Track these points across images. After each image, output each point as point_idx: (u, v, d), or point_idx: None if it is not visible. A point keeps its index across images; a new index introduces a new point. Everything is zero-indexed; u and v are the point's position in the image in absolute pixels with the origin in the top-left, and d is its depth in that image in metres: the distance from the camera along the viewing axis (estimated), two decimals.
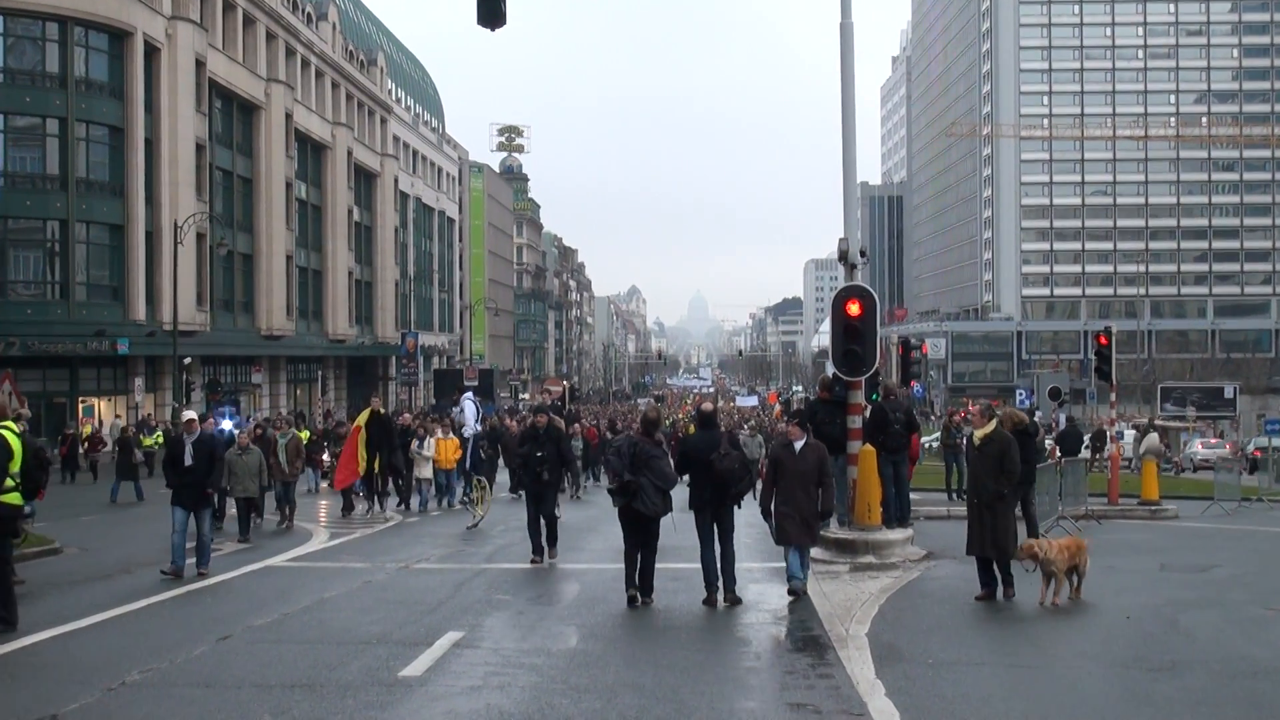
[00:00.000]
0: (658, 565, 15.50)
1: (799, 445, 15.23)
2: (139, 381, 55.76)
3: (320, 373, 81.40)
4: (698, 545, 15.13)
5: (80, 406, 55.17)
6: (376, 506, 28.32)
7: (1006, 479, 15.00)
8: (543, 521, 19.26)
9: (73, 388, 55.17)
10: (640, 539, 15.20)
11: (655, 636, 13.24)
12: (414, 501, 30.59)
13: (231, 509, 26.03)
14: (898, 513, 20.70)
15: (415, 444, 30.43)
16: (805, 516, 14.99)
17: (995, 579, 15.07)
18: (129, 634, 13.57)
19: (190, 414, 19.77)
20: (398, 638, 12.90)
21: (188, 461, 18.41)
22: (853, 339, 18.95)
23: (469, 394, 33.73)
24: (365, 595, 16.15)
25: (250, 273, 69.69)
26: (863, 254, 20.08)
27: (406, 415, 34.22)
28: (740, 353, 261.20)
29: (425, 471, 31.00)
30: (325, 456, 36.82)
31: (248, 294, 69.46)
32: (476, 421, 30.50)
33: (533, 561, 18.87)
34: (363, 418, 27.52)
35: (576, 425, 38.89)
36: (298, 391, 78.50)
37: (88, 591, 16.66)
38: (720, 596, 14.92)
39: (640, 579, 15.15)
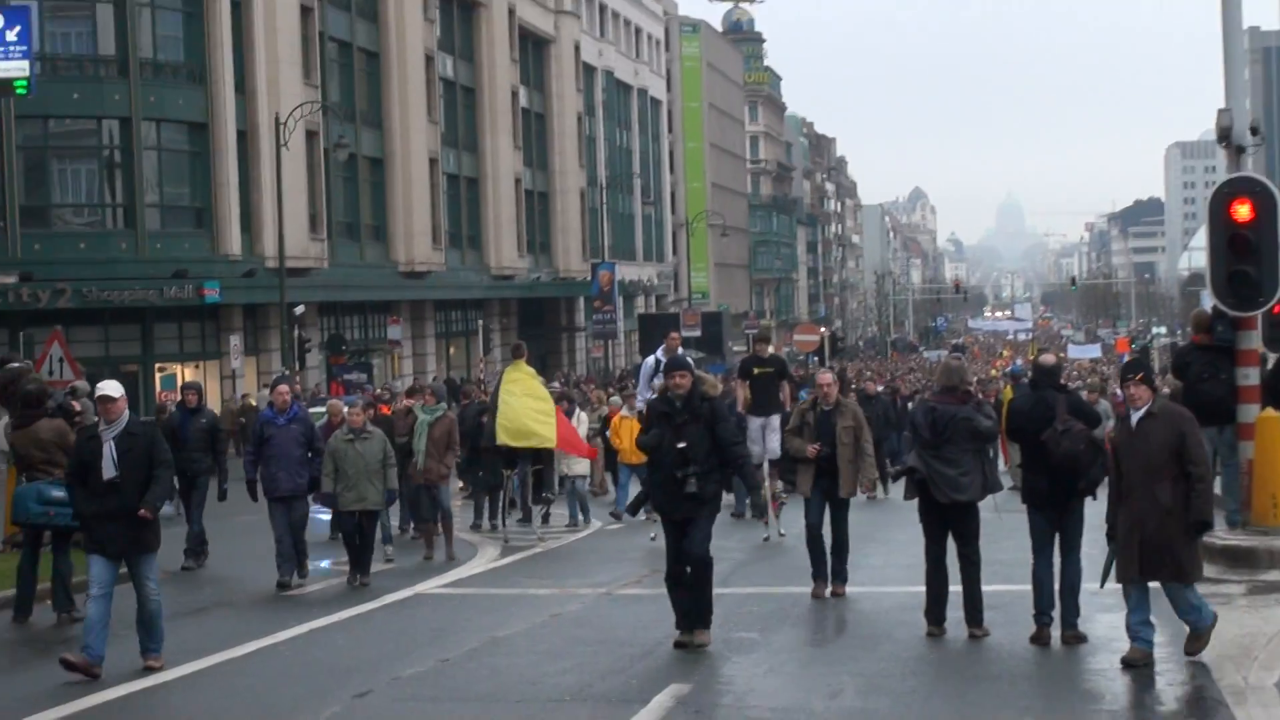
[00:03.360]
0: (954, 588, 15.35)
1: (1138, 416, 13.75)
2: (235, 340, 55.73)
3: (481, 322, 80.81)
4: (1025, 557, 14.98)
5: (159, 376, 55.76)
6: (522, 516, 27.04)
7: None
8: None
9: (146, 350, 55.97)
10: (954, 544, 15.23)
11: (963, 690, 13.18)
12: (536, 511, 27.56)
13: (324, 515, 23.95)
14: None
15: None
16: (1149, 533, 13.45)
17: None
18: (231, 688, 14.06)
19: (109, 389, 15.02)
20: (600, 692, 13.10)
21: (109, 473, 14.45)
22: (1243, 255, 18.65)
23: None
24: (553, 633, 16.43)
25: (381, 185, 70.00)
26: (1255, 131, 19.70)
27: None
28: (1073, 281, 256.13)
29: (576, 468, 28.31)
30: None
31: (378, 216, 69.99)
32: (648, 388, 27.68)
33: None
34: (530, 376, 25.30)
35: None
36: (450, 349, 79.59)
37: (177, 631, 16.85)
38: (1058, 631, 14.74)
39: (967, 603, 15.13)
